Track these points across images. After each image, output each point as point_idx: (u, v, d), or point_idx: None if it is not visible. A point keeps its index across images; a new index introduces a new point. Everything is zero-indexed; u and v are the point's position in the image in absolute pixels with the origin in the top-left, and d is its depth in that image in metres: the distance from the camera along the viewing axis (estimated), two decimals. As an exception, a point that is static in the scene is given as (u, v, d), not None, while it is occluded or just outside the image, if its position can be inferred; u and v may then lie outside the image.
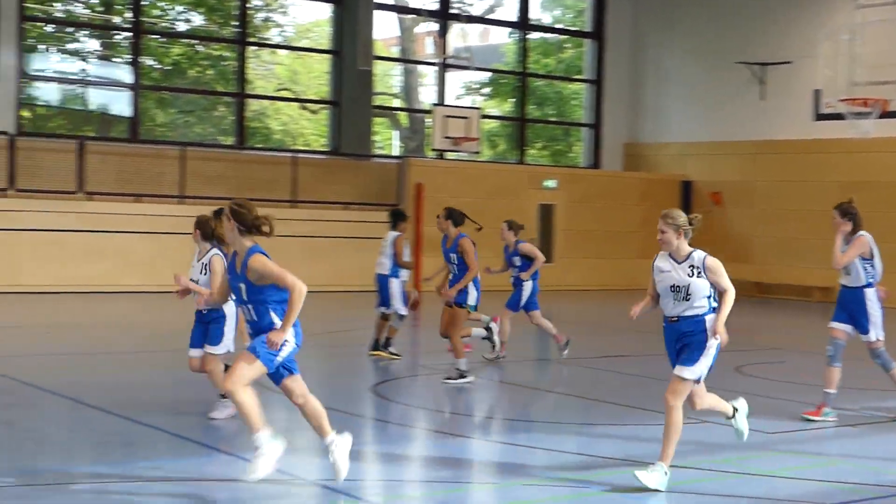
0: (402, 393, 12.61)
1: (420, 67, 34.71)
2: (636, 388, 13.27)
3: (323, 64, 31.62)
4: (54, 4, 29.00)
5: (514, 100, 34.29)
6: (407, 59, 34.64)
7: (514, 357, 15.02)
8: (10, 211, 23.73)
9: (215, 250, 9.76)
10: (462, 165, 29.89)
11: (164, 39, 30.19)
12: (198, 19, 31.26)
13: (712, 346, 8.08)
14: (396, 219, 14.82)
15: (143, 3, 27.82)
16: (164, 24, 30.39)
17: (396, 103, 35.63)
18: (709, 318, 8.08)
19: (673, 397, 8.07)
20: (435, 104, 29.61)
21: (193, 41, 30.87)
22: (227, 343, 9.84)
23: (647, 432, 9.97)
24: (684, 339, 8.11)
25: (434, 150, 29.29)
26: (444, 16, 31.07)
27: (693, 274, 8.06)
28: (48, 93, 28.72)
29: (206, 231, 9.87)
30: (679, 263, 8.13)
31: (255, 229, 7.54)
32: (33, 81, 27.41)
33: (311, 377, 13.40)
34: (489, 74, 35.98)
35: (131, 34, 27.72)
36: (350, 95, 29.04)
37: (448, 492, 7.93)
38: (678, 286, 8.09)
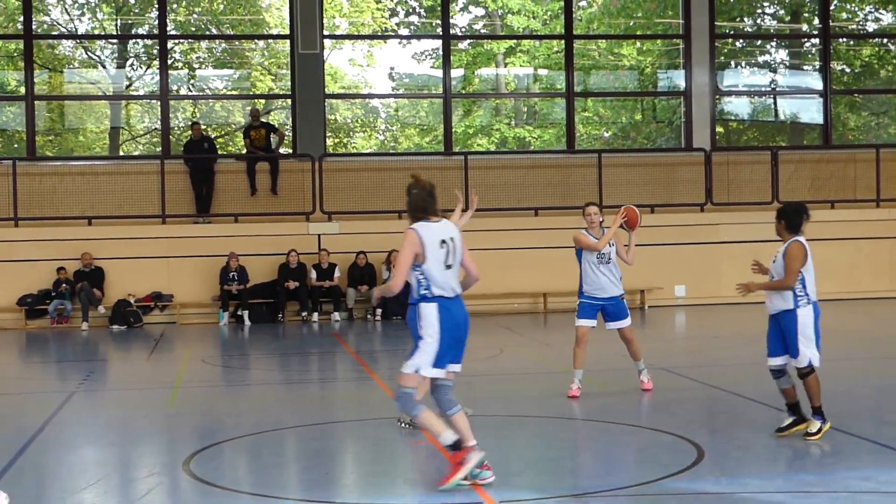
0: None
1: None
2: None
3: None
4: (744, 20, 29.77)
5: None
6: None
7: None
8: (708, 225, 24.68)
9: None
10: None
11: (853, 42, 29.76)
12: (887, 17, 30.45)
13: None
14: None
15: (830, 7, 27.62)
16: (852, 27, 29.95)
17: None
18: None
19: None
20: None
21: (884, 40, 30.12)
22: None
23: None
24: None
25: None
26: None
27: None
28: (739, 107, 29.47)
29: None
30: None
31: None
32: (725, 97, 28.28)
33: None
34: None
35: (819, 40, 27.65)
36: None
37: None
38: None
